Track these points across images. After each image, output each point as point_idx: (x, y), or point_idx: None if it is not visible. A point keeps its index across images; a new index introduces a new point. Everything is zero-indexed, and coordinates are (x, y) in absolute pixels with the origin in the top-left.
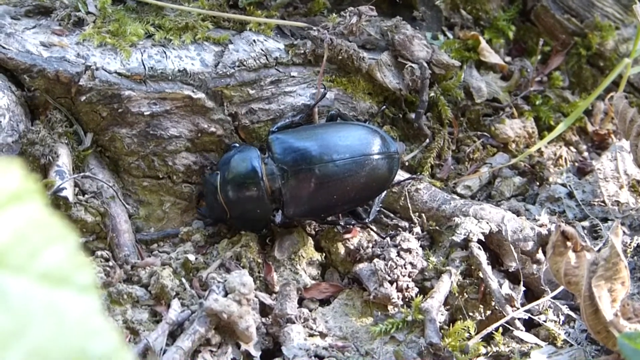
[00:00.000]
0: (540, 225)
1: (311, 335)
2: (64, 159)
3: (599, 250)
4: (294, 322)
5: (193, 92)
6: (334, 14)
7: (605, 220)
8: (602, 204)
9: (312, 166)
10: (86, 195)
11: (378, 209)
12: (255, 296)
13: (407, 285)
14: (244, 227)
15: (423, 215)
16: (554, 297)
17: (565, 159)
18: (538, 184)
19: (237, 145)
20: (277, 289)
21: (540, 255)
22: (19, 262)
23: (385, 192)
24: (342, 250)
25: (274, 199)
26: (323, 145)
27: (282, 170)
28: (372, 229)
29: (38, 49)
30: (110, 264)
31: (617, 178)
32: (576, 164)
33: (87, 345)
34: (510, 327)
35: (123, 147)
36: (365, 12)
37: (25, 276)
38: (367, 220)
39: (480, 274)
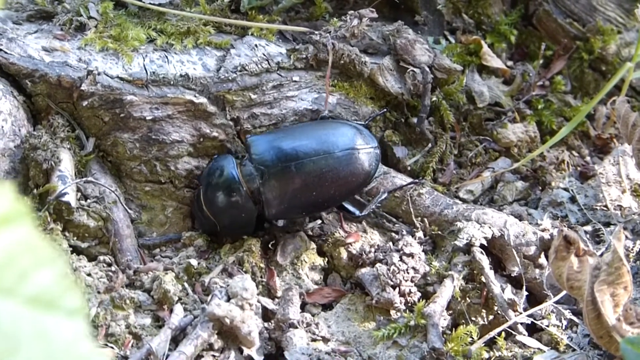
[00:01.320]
0: (543, 230)
1: (314, 340)
2: (66, 163)
3: (601, 255)
4: (296, 327)
5: (195, 96)
6: (335, 18)
7: (607, 224)
8: (605, 208)
9: (288, 164)
10: (88, 200)
11: (374, 207)
12: (258, 301)
13: (410, 289)
14: (234, 235)
15: (425, 219)
16: (557, 302)
17: (568, 163)
18: (540, 188)
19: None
20: (279, 293)
21: (542, 259)
22: (8, 285)
23: (386, 194)
24: (344, 254)
25: (255, 199)
26: (300, 143)
27: (259, 170)
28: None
29: (40, 53)
30: (113, 268)
31: (620, 182)
32: (578, 169)
33: None
34: (513, 332)
35: (125, 152)
36: (365, 15)
37: (14, 299)
38: (358, 215)
39: (483, 279)
